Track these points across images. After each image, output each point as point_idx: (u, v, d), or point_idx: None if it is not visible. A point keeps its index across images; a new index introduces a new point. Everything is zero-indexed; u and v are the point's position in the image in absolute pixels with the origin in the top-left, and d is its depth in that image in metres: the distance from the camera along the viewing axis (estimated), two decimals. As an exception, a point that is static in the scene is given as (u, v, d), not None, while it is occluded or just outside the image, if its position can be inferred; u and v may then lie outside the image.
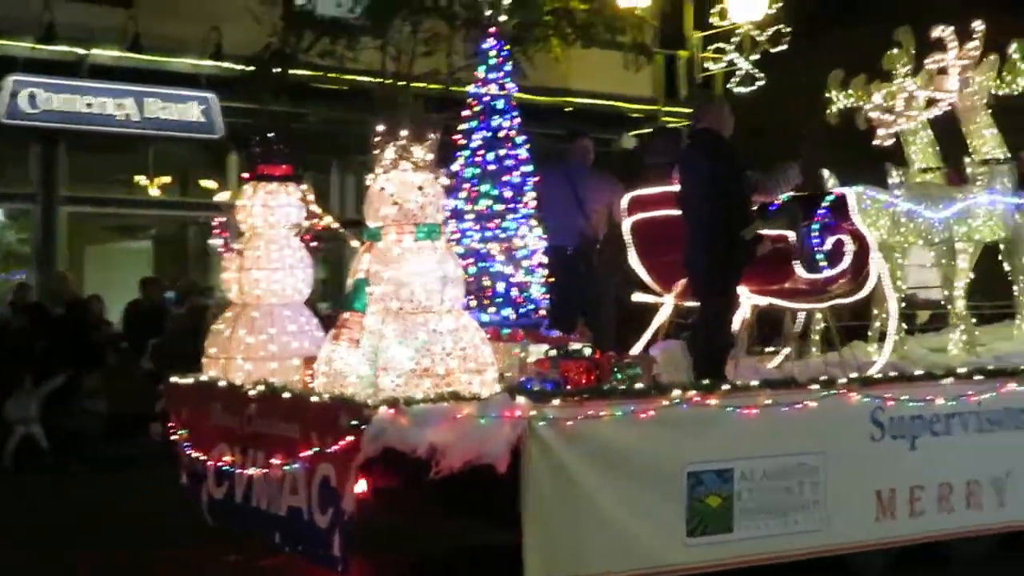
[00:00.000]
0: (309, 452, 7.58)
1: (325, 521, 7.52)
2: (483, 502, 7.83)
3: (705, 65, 22.61)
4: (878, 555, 9.07)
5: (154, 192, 21.25)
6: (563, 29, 18.99)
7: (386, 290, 7.58)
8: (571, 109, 23.32)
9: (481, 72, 9.52)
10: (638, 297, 10.46)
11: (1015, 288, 11.26)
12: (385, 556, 8.60)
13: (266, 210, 9.10)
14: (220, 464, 8.59)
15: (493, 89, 9.43)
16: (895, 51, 11.39)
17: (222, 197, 11.38)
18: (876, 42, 11.70)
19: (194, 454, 8.92)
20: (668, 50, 23.64)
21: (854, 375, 9.12)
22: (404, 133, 7.70)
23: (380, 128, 7.77)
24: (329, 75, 18.81)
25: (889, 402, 8.93)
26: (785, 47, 20.88)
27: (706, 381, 8.39)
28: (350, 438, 7.24)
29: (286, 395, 8.01)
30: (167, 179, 21.39)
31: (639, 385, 8.17)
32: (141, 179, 21.13)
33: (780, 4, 20.87)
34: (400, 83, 18.28)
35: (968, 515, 9.40)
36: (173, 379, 9.49)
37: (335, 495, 7.42)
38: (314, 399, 7.67)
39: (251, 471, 8.21)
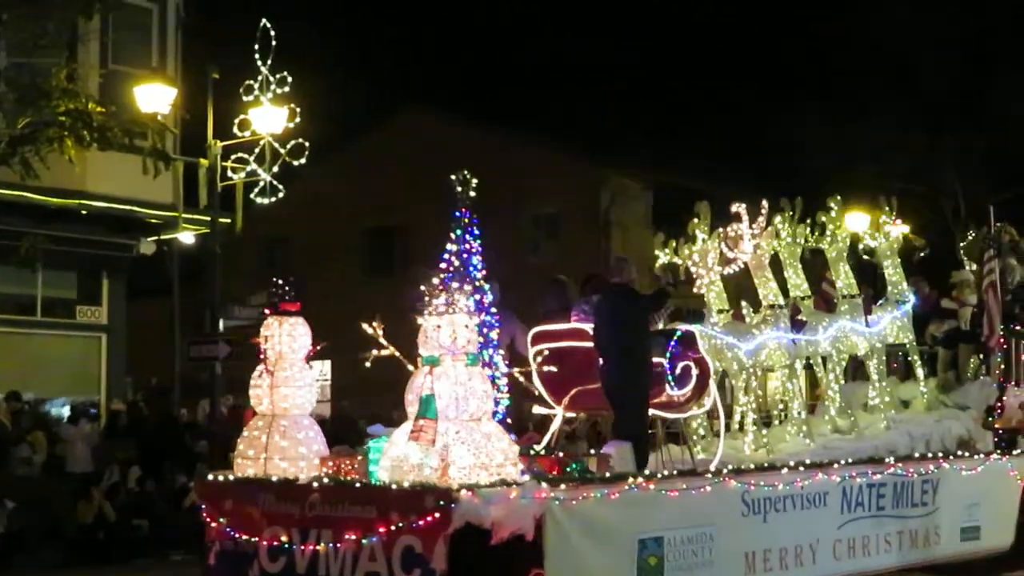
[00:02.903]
0: (394, 527, 9.92)
1: (410, 582, 9.88)
2: (522, 561, 10.34)
3: (228, 174, 22.22)
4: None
5: None
6: (79, 130, 18.76)
7: (449, 403, 10.09)
8: (87, 212, 23.20)
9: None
10: (537, 409, 13.21)
11: (790, 400, 14.79)
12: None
13: (290, 339, 11.36)
14: (275, 544, 10.70)
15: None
16: (695, 220, 14.74)
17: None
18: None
19: (241, 537, 10.95)
20: (189, 157, 23.20)
21: (730, 466, 12.24)
22: (455, 286, 10.31)
23: (433, 281, 10.34)
24: None
25: (752, 486, 12.11)
26: (304, 160, 21.53)
27: (646, 471, 11.31)
28: (437, 515, 9.69)
29: (358, 485, 10.31)
30: None
31: (608, 474, 10.99)
32: None
33: (298, 119, 21.35)
34: None
35: (796, 572, 12.65)
36: (209, 476, 11.48)
37: (421, 559, 9.81)
38: (394, 486, 10.03)
39: (319, 547, 10.39)
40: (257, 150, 21.80)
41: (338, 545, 10.35)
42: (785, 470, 12.56)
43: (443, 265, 11.39)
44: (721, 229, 14.53)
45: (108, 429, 22.19)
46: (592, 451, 13.05)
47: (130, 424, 22.10)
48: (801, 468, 12.72)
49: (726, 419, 13.70)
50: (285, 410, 11.36)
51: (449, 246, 11.42)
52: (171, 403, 24.60)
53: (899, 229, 16.93)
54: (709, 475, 11.81)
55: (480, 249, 11.59)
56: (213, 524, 11.34)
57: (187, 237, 25.70)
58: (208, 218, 22.94)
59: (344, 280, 39.06)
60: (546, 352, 12.82)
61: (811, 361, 15.45)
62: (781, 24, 44.12)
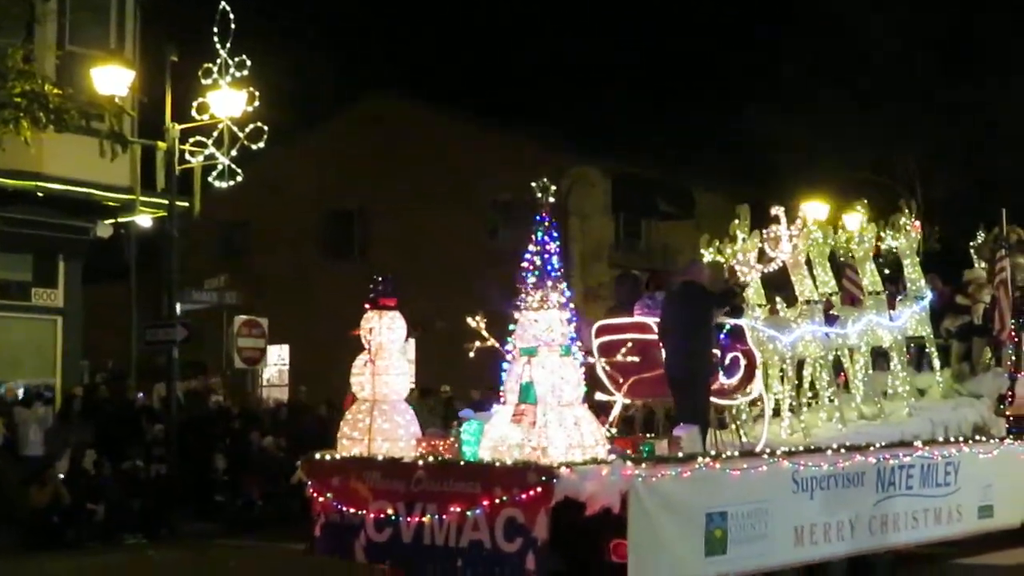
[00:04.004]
0: (497, 501, 11.07)
1: (513, 548, 11.04)
2: (608, 529, 11.50)
3: (186, 157, 21.97)
4: (796, 571, 13.41)
5: None
6: (35, 112, 18.79)
7: (545, 390, 11.25)
8: (43, 194, 22.93)
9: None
10: (599, 396, 14.36)
11: (822, 388, 15.99)
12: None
13: (390, 331, 12.50)
14: (381, 516, 11.84)
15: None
16: (736, 221, 15.87)
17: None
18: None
19: (348, 510, 12.08)
20: (146, 140, 22.79)
21: (783, 449, 13.43)
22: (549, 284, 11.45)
23: (530, 282, 11.48)
24: None
25: (801, 466, 13.31)
26: (262, 144, 21.43)
27: (712, 452, 12.51)
28: (539, 489, 10.85)
29: (463, 462, 11.47)
30: None
31: (680, 455, 12.18)
32: None
33: (258, 103, 21.24)
34: None
35: (838, 545, 13.88)
36: (316, 455, 12.62)
37: (523, 529, 10.97)
38: (497, 463, 11.19)
39: (424, 518, 11.54)
40: (216, 133, 21.64)
41: (443, 517, 11.49)
42: (829, 452, 13.77)
43: (524, 264, 12.55)
44: (762, 231, 15.67)
45: (63, 412, 21.97)
46: (648, 435, 14.26)
47: (85, 408, 21.90)
48: (842, 451, 13.93)
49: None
50: (385, 395, 12.49)
51: (530, 247, 12.54)
52: (127, 387, 24.37)
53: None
54: (765, 456, 12.99)
55: (559, 250, 12.73)
56: (320, 499, 12.47)
57: (144, 220, 25.49)
58: (166, 201, 22.71)
59: (303, 263, 39.31)
60: (609, 343, 13.97)
61: (838, 352, 16.63)
62: (743, 15, 45.05)
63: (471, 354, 11.90)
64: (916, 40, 36.01)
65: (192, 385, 23.48)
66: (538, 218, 12.80)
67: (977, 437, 16.35)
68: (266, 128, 21.28)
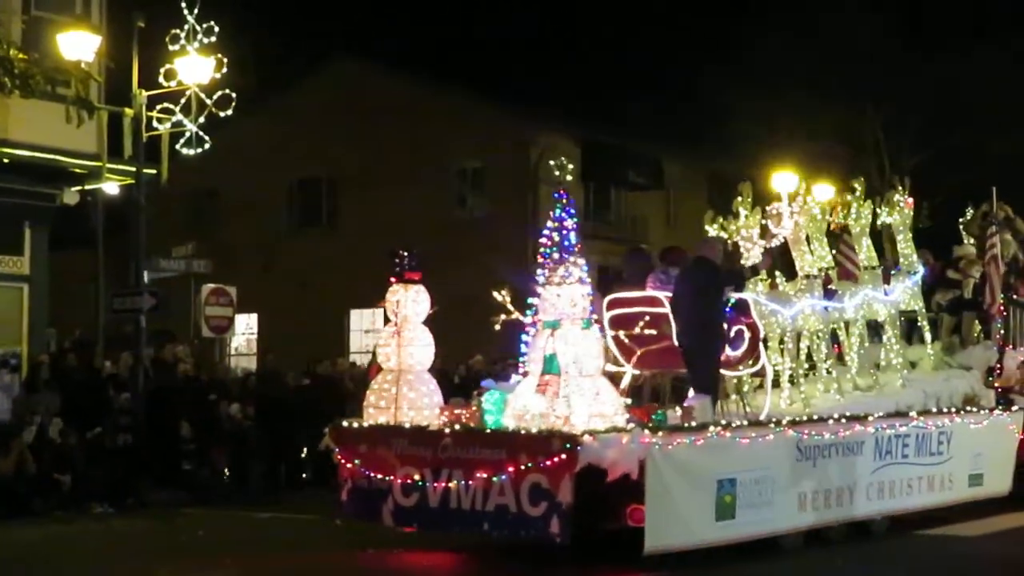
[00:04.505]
0: (523, 467, 11.60)
1: (538, 511, 11.59)
2: (626, 495, 12.05)
3: (153, 124, 21.39)
4: (798, 536, 14.01)
5: None
6: (0, 77, 18.73)
7: (569, 361, 11.77)
8: (9, 161, 22.20)
9: None
10: (609, 367, 14.88)
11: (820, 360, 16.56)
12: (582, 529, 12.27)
13: (415, 304, 13.00)
14: (408, 481, 12.37)
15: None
16: (739, 198, 16.37)
17: None
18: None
19: (376, 476, 12.60)
20: (113, 107, 22.18)
21: (788, 418, 14.00)
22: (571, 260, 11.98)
23: (552, 257, 12.00)
24: None
25: (805, 435, 13.90)
26: (231, 111, 21.09)
27: (724, 421, 13.07)
28: (563, 456, 11.39)
29: (488, 430, 12.00)
30: None
31: (693, 423, 12.73)
32: None
33: (226, 70, 20.86)
34: None
35: (838, 511, 14.49)
36: (344, 422, 13.13)
37: (548, 494, 11.53)
38: (523, 431, 11.72)
39: (450, 484, 12.07)
40: (183, 100, 21.15)
41: (469, 482, 12.04)
42: (831, 422, 14.36)
43: (543, 240, 13.05)
44: (763, 208, 16.19)
45: (29, 381, 21.40)
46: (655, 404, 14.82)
47: (52, 376, 21.24)
48: (843, 420, 14.52)
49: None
50: (411, 366, 13.01)
51: (548, 223, 13.04)
52: (94, 355, 23.46)
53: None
54: (772, 425, 13.56)
55: (576, 226, 13.22)
56: (348, 465, 12.99)
57: (112, 188, 24.90)
58: (133, 169, 22.22)
59: (272, 231, 39.21)
60: (620, 316, 14.49)
61: (834, 326, 17.19)
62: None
63: (496, 327, 12.38)
64: (878, 8, 36.84)
65: (161, 354, 22.65)
66: (555, 195, 13.33)
67: (968, 408, 16.96)
68: (234, 95, 20.96)
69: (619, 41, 45.56)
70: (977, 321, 18.75)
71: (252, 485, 20.60)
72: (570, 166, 13.44)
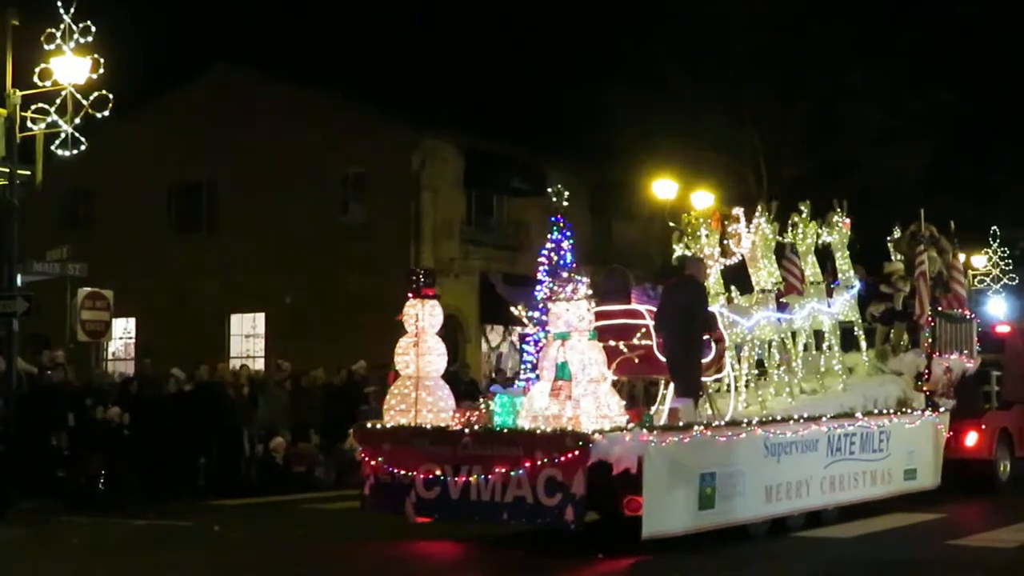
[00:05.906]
0: (539, 463, 13.13)
1: (554, 502, 13.13)
2: (624, 488, 13.61)
3: (28, 124, 21.02)
4: (765, 523, 15.69)
5: None
6: None
7: (578, 368, 13.32)
8: None
9: None
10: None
11: (772, 367, 18.27)
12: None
13: (431, 317, 14.46)
14: (430, 476, 13.82)
15: None
16: (700, 220, 18.01)
17: None
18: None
19: (399, 472, 14.04)
20: None
21: (756, 419, 15.67)
22: (576, 278, 13.52)
23: (564, 276, 13.55)
24: None
25: (771, 434, 15.59)
26: (107, 113, 20.90)
27: (704, 422, 14.71)
28: (577, 452, 12.94)
29: (506, 430, 13.51)
30: None
31: (680, 423, 14.35)
32: None
33: (102, 71, 20.63)
34: None
35: (797, 502, 16.20)
36: (367, 424, 14.54)
37: (562, 486, 13.06)
38: (538, 431, 13.25)
39: (470, 478, 13.55)
40: (59, 101, 20.82)
41: (488, 477, 13.54)
42: (791, 422, 16.07)
43: (542, 260, 14.60)
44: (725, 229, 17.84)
45: None
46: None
47: None
48: (801, 421, 16.25)
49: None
50: (428, 373, 14.47)
51: (547, 244, 14.61)
52: None
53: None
54: (744, 425, 15.24)
55: (572, 248, 14.81)
56: (371, 462, 14.41)
57: None
58: (7, 170, 21.97)
59: (150, 235, 38.51)
60: (602, 328, 16.04)
61: (782, 336, 18.92)
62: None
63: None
64: (761, 24, 38.37)
65: (38, 360, 22.27)
66: (552, 219, 14.89)
67: (903, 410, 18.80)
68: (111, 96, 20.74)
69: (503, 48, 45.76)
70: (906, 331, 20.61)
71: (128, 492, 20.03)
72: (566, 192, 14.92)
